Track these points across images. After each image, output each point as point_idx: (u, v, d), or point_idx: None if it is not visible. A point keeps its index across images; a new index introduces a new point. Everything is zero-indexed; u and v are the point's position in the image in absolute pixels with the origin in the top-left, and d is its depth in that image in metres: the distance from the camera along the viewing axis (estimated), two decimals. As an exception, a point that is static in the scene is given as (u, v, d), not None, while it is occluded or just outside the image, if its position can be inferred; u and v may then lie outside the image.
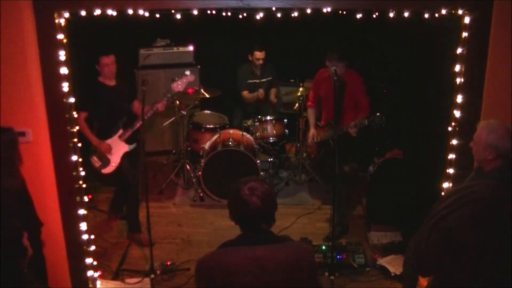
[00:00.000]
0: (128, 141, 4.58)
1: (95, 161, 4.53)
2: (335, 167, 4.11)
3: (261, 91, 5.98)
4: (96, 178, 4.82)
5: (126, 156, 4.58)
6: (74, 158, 3.56)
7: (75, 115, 3.60)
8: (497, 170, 2.59)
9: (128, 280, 4.15)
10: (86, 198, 3.78)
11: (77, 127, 3.64)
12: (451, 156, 3.61)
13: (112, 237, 4.82)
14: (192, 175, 5.77)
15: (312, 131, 5.08)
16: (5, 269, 2.68)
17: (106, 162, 4.54)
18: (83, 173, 3.69)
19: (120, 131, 4.54)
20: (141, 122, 4.35)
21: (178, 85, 4.67)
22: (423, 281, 2.63)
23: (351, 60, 4.62)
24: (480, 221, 2.39)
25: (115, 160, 4.54)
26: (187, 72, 4.74)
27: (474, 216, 2.41)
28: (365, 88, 4.73)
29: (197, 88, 5.78)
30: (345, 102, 4.63)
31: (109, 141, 4.52)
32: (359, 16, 3.47)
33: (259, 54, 5.86)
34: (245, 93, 6.04)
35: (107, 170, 4.54)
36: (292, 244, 2.30)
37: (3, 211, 2.72)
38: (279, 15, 3.53)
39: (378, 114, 4.43)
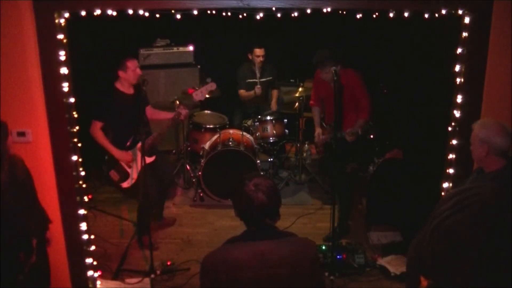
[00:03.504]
0: (148, 153, 4.36)
1: (114, 175, 4.39)
2: (335, 168, 4.11)
3: (258, 86, 5.95)
4: (119, 189, 4.65)
5: (146, 168, 4.31)
6: (74, 158, 3.56)
7: (75, 116, 3.59)
8: (498, 172, 2.59)
9: (128, 280, 4.15)
10: (86, 198, 3.78)
11: (77, 127, 3.63)
12: (451, 156, 3.61)
13: (112, 237, 4.82)
14: (192, 175, 5.77)
15: (318, 130, 5.04)
16: (5, 267, 2.69)
17: (125, 175, 4.41)
18: (83, 173, 3.69)
19: (140, 143, 4.29)
20: (158, 133, 4.39)
21: (199, 95, 4.56)
22: (424, 282, 2.63)
23: (346, 59, 4.58)
24: (482, 223, 2.39)
25: (134, 174, 4.40)
26: (209, 80, 4.65)
27: (476, 218, 2.41)
28: (365, 87, 4.67)
29: (197, 88, 5.77)
30: (345, 104, 4.59)
31: (130, 152, 4.39)
32: (359, 16, 3.47)
33: (258, 51, 5.85)
34: (242, 91, 6.04)
35: (126, 184, 4.42)
36: (296, 239, 2.31)
37: (5, 208, 2.72)
38: (279, 15, 3.53)
39: (370, 123, 4.43)
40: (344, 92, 4.53)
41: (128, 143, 4.39)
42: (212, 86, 4.64)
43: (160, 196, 4.74)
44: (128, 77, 4.29)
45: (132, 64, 4.27)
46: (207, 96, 5.80)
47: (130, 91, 4.38)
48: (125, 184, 4.44)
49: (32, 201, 3.18)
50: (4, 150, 2.87)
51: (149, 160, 4.42)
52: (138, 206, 4.62)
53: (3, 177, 2.81)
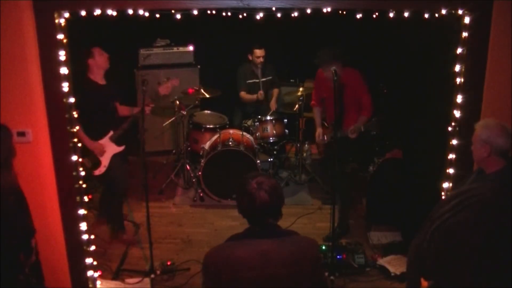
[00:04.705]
0: (117, 143, 4.55)
1: (87, 162, 4.45)
2: (335, 167, 4.11)
3: (260, 92, 5.97)
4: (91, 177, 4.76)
5: (115, 157, 4.54)
6: (74, 158, 3.56)
7: (75, 115, 3.59)
8: (499, 173, 2.59)
9: (128, 280, 4.15)
10: (86, 198, 3.78)
11: (77, 127, 3.63)
12: (451, 156, 3.61)
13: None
14: (192, 175, 5.77)
15: (318, 130, 5.05)
16: (6, 267, 2.69)
17: (97, 163, 4.49)
18: (83, 173, 3.69)
19: (111, 132, 4.51)
20: (128, 123, 4.48)
21: (164, 89, 4.70)
22: (425, 283, 2.63)
23: (346, 58, 4.59)
24: (482, 223, 2.39)
25: (105, 162, 4.49)
26: (172, 77, 4.87)
27: (476, 218, 2.41)
28: (366, 86, 4.67)
29: (197, 88, 5.78)
30: (346, 102, 4.59)
31: (100, 142, 4.47)
32: (359, 16, 3.47)
33: (259, 52, 5.85)
34: (243, 93, 6.03)
35: (98, 171, 4.50)
36: (298, 238, 2.31)
37: (5, 211, 2.71)
38: (279, 15, 3.53)
39: (373, 119, 4.43)
40: (345, 91, 4.54)
41: (103, 134, 4.50)
42: (176, 82, 4.81)
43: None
44: (97, 62, 4.35)
45: (96, 50, 4.34)
46: (207, 96, 5.85)
47: (103, 81, 4.45)
48: (96, 172, 4.50)
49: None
50: (9, 152, 2.87)
51: (118, 149, 4.56)
52: (114, 199, 4.71)
53: (10, 177, 2.82)
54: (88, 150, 4.40)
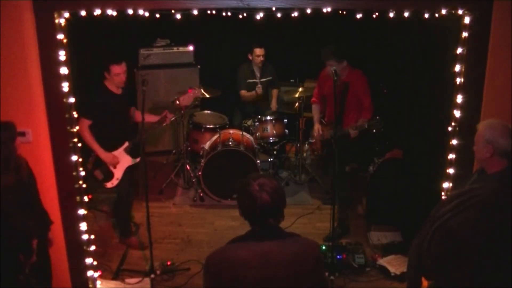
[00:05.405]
0: (132, 155, 4.44)
1: (98, 174, 4.37)
2: (335, 167, 4.11)
3: (258, 86, 5.96)
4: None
5: (127, 169, 4.45)
6: (74, 158, 3.56)
7: (75, 115, 3.59)
8: (500, 174, 2.59)
9: (128, 280, 4.15)
10: (86, 198, 3.78)
11: (77, 128, 3.63)
12: (451, 156, 3.61)
13: (112, 237, 4.82)
14: (192, 175, 5.77)
15: (316, 126, 5.05)
16: (5, 267, 2.69)
17: (109, 175, 4.39)
18: (83, 173, 3.69)
19: (126, 144, 4.40)
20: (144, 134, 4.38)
21: (186, 100, 4.80)
22: (425, 283, 2.63)
23: (349, 58, 4.60)
24: (483, 224, 2.39)
25: (118, 174, 4.40)
26: (194, 87, 4.95)
27: (477, 219, 2.40)
28: (369, 89, 4.68)
29: (193, 87, 5.77)
30: (348, 102, 4.61)
31: (115, 153, 4.36)
32: (359, 16, 3.47)
33: (258, 51, 5.86)
34: (243, 92, 6.04)
35: (110, 184, 4.41)
36: (299, 239, 2.32)
37: (4, 211, 2.72)
38: (279, 15, 3.53)
39: (377, 117, 4.43)
40: (350, 90, 4.55)
41: (118, 145, 4.40)
42: (198, 92, 4.97)
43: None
44: (110, 79, 4.21)
45: (115, 69, 4.15)
46: (207, 96, 5.85)
47: (118, 91, 4.30)
48: (108, 184, 4.43)
49: (34, 202, 3.18)
50: (11, 152, 2.87)
51: (134, 161, 4.49)
52: (121, 206, 4.66)
53: (10, 179, 2.81)
54: (100, 161, 4.32)
